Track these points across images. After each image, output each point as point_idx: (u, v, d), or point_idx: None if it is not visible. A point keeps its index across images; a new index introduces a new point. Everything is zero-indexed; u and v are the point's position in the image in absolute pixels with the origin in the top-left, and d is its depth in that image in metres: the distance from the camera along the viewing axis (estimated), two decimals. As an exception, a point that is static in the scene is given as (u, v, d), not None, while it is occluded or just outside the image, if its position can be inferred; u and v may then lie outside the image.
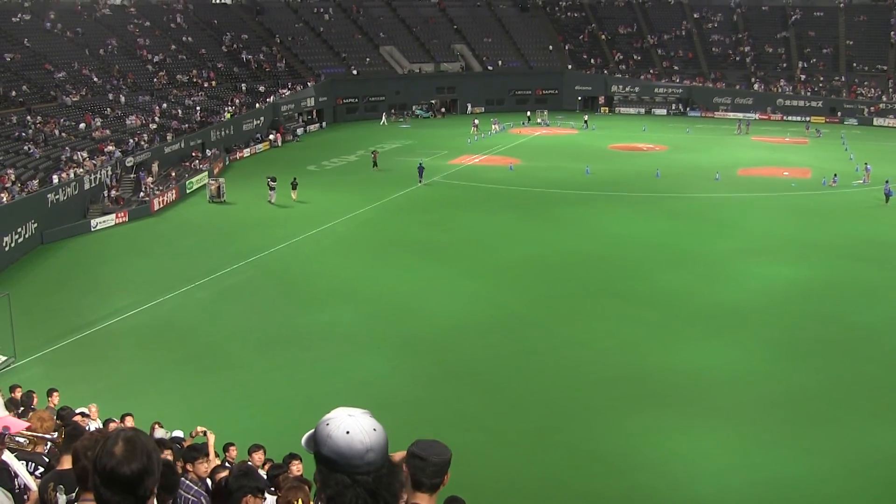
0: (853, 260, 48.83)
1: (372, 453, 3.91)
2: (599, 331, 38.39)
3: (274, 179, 66.60)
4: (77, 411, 19.37)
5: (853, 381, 33.07)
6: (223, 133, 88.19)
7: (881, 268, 47.59)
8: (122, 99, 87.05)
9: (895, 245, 52.16)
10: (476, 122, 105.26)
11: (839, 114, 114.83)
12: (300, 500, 9.73)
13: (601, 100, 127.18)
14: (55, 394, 22.28)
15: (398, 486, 4.04)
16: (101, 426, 17.20)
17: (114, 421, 19.15)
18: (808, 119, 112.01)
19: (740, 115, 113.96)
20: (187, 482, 9.40)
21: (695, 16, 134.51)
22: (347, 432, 3.93)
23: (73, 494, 6.40)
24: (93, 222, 58.19)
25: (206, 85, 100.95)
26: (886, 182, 65.18)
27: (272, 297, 43.43)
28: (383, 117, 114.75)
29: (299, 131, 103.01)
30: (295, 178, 67.94)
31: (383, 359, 35.38)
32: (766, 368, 34.16)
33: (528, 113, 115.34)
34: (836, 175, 71.36)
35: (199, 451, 11.80)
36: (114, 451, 4.15)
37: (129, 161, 69.81)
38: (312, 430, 4.11)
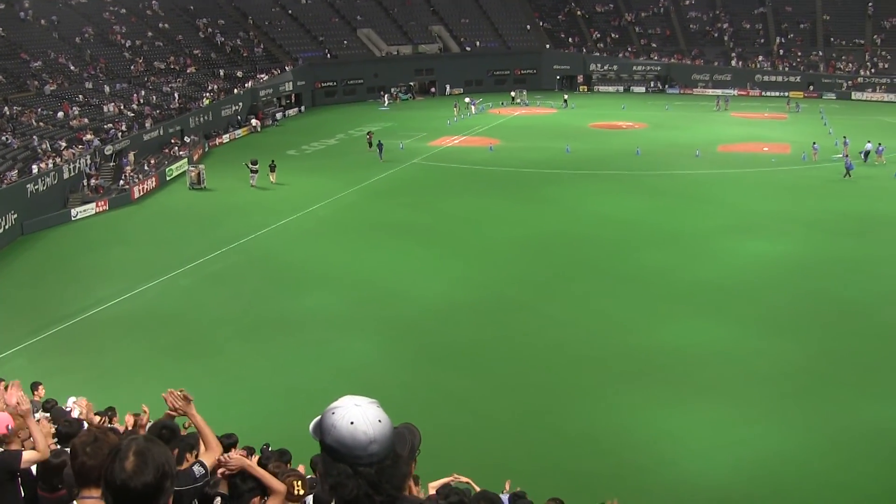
0: (835, 234, 48.93)
1: (375, 445, 3.88)
2: (584, 310, 38.41)
3: (255, 163, 66.65)
4: (68, 409, 19.23)
5: (839, 356, 33.13)
6: (202, 119, 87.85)
7: (863, 241, 47.70)
8: (100, 87, 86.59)
9: (876, 219, 52.27)
10: (469, 100, 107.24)
11: (811, 87, 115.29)
12: (299, 484, 9.70)
13: (580, 78, 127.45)
14: (40, 387, 22.09)
15: (401, 479, 4.00)
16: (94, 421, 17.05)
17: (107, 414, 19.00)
18: (787, 94, 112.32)
19: (719, 92, 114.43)
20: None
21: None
22: (352, 423, 3.90)
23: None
24: (73, 212, 57.91)
25: (187, 71, 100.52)
26: (847, 157, 65.68)
27: (255, 283, 43.33)
28: (385, 99, 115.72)
29: (278, 116, 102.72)
30: (273, 161, 68.00)
31: (368, 343, 35.30)
32: (751, 344, 34.20)
33: (513, 93, 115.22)
34: (815, 143, 71.69)
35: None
36: (125, 465, 4.09)
37: (108, 149, 69.51)
38: (319, 417, 4.08)
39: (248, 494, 8.66)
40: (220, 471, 8.74)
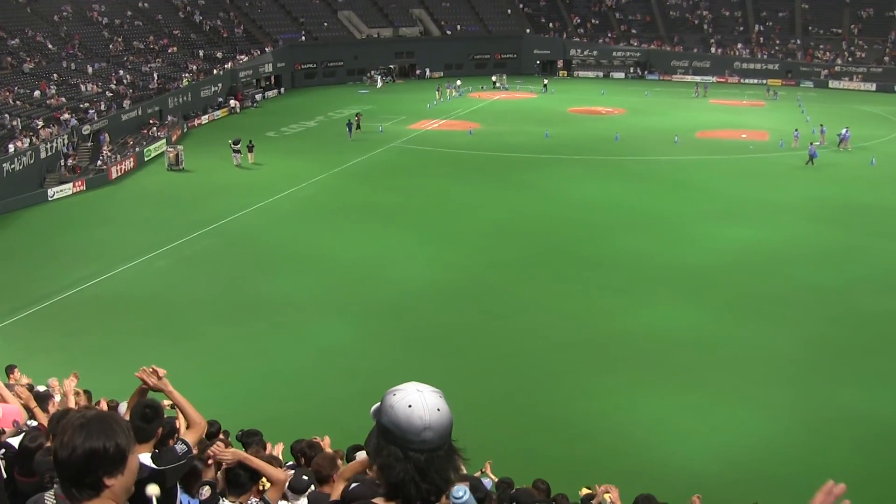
0: (813, 221, 49.17)
1: (430, 432, 3.88)
2: (562, 294, 38.48)
3: (237, 142, 66.81)
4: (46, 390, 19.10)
5: (816, 342, 33.34)
6: (181, 100, 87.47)
7: (841, 228, 47.95)
8: (78, 66, 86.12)
9: (853, 205, 52.58)
10: (459, 83, 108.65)
11: (789, 74, 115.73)
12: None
13: (560, 63, 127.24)
14: (16, 370, 21.87)
15: (451, 472, 4.00)
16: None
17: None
18: (765, 82, 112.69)
19: (698, 79, 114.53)
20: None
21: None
22: (410, 406, 3.92)
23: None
24: (50, 192, 57.61)
25: (168, 52, 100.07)
26: (812, 144, 65.96)
27: (233, 265, 43.22)
28: (378, 80, 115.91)
29: (258, 97, 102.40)
30: (251, 141, 68.01)
31: (346, 325, 35.31)
32: (729, 330, 34.37)
33: (494, 78, 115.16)
34: (797, 131, 72.07)
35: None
36: (63, 437, 4.13)
37: (86, 129, 69.19)
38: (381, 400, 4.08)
39: (249, 483, 8.68)
40: (213, 459, 8.74)
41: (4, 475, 9.14)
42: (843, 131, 70.71)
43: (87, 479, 4.12)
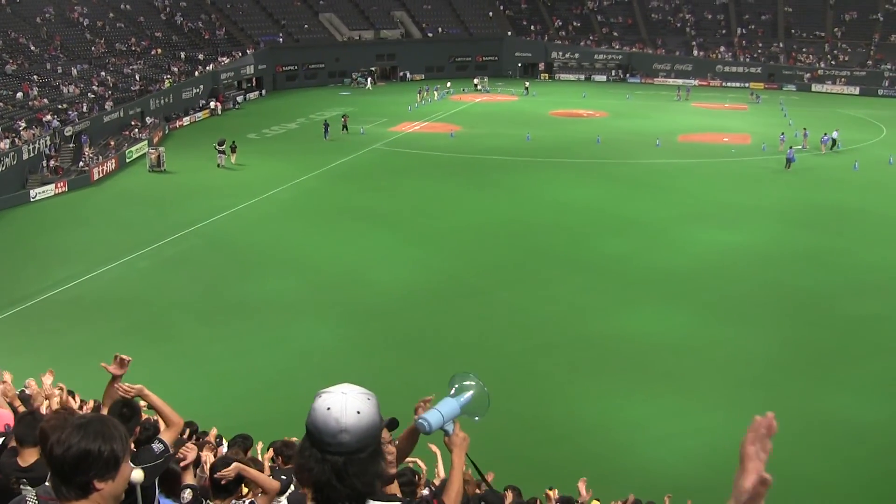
0: (795, 225, 49.37)
1: (346, 435, 3.89)
2: (542, 297, 38.58)
3: (222, 143, 67.10)
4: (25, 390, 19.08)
5: (797, 346, 33.47)
6: (162, 102, 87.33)
7: (822, 232, 48.11)
8: (60, 68, 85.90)
9: (835, 209, 52.77)
10: (450, 85, 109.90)
11: (772, 77, 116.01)
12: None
13: (541, 66, 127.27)
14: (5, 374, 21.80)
15: (373, 476, 4.01)
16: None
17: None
18: (748, 85, 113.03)
19: (680, 82, 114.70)
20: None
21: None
22: (328, 408, 3.94)
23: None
24: (32, 192, 57.48)
25: (151, 53, 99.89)
26: (791, 148, 66.23)
27: (215, 267, 43.22)
28: (368, 82, 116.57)
29: (239, 99, 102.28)
30: (234, 142, 68.36)
31: (327, 327, 35.36)
32: (709, 333, 34.50)
33: (476, 80, 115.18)
34: (783, 134, 72.06)
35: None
36: (60, 435, 4.13)
37: (68, 130, 69.10)
38: None
39: (234, 486, 8.75)
40: (224, 479, 8.83)
41: None
42: (834, 134, 71.26)
43: (77, 478, 4.13)
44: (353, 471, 3.93)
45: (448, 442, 5.46)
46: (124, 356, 8.12)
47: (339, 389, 4.03)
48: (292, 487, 10.64)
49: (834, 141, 71.02)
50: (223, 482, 8.84)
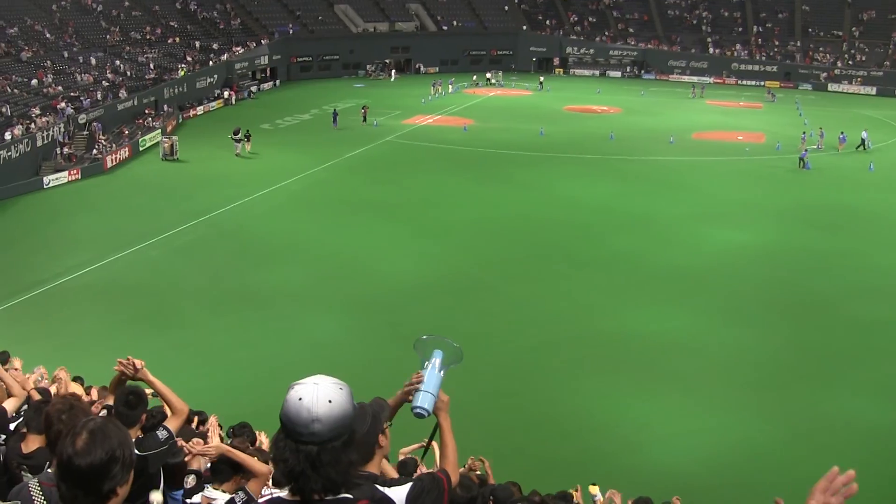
0: (806, 225, 49.19)
1: (318, 424, 3.91)
2: (552, 293, 38.53)
3: (237, 132, 67.49)
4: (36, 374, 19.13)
5: (804, 348, 33.36)
6: (176, 91, 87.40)
7: (833, 234, 47.93)
8: (75, 56, 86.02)
9: (847, 211, 52.55)
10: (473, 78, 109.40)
11: (788, 76, 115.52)
12: None
13: (556, 61, 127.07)
14: (16, 360, 21.86)
15: (346, 465, 4.03)
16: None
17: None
18: (763, 84, 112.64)
19: (695, 79, 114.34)
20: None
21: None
22: (300, 399, 3.97)
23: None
24: (45, 179, 57.62)
25: (168, 41, 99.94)
26: (805, 149, 65.95)
27: (225, 257, 43.27)
28: (392, 73, 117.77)
29: (253, 89, 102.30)
30: (248, 131, 68.55)
31: (335, 319, 35.37)
32: (717, 333, 34.40)
33: (488, 74, 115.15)
34: (804, 133, 71.50)
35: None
36: (75, 442, 4.04)
37: (82, 118, 69.21)
38: None
39: (230, 473, 8.76)
40: (200, 456, 8.82)
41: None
42: (863, 134, 71.28)
43: (104, 486, 4.06)
44: (326, 459, 3.95)
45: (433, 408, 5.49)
46: (136, 361, 8.12)
47: (311, 380, 4.05)
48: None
49: (863, 140, 70.77)
50: (219, 469, 8.83)
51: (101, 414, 8.48)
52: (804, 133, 71.66)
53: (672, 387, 29.81)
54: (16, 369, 14.99)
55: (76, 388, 14.34)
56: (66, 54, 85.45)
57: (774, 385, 30.24)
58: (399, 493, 4.59)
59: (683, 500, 16.52)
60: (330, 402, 3.95)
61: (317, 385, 4.00)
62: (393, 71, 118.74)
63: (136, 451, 7.65)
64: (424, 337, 5.64)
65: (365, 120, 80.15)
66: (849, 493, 3.46)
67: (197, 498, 8.76)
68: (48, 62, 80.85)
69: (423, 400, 5.31)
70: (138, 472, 8.09)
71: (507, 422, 27.28)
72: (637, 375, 30.57)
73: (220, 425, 16.12)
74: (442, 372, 5.46)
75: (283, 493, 4.24)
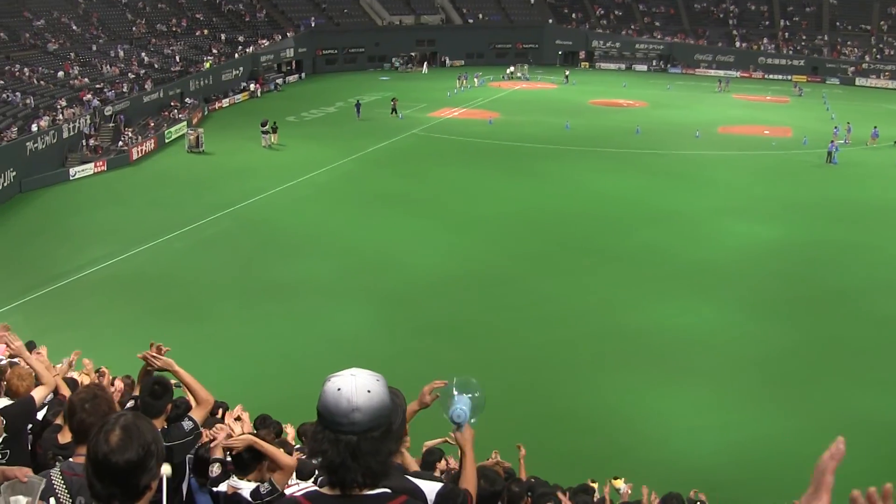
0: (831, 220, 48.90)
1: (358, 413, 3.88)
2: (576, 287, 38.46)
3: (265, 124, 67.98)
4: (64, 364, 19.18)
5: (830, 342, 33.21)
6: (202, 83, 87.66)
7: (858, 228, 47.65)
8: (101, 48, 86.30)
9: (872, 206, 52.24)
10: (474, 75, 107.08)
11: (814, 69, 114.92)
12: None
13: (582, 55, 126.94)
14: (43, 349, 21.96)
15: (386, 454, 4.00)
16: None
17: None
18: (790, 78, 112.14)
19: (721, 73, 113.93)
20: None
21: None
22: (339, 389, 3.93)
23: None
24: (71, 171, 57.84)
25: (196, 34, 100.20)
26: (832, 142, 65.54)
27: (250, 249, 43.34)
28: (424, 67, 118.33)
29: (279, 82, 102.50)
30: (275, 123, 68.91)
31: (359, 311, 35.39)
32: (743, 327, 34.29)
33: (511, 68, 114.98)
34: (836, 128, 71.39)
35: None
36: (109, 439, 3.99)
37: (108, 110, 69.44)
38: None
39: (253, 463, 8.77)
40: (230, 449, 8.84)
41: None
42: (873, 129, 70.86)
43: (142, 481, 4.04)
44: (366, 449, 3.92)
45: (460, 438, 5.47)
46: (162, 346, 8.14)
47: (347, 372, 4.02)
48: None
49: None
50: (233, 453, 8.84)
51: (128, 404, 8.48)
52: (836, 127, 71.39)
53: (695, 381, 29.74)
54: (38, 352, 15.04)
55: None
56: (94, 47, 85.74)
57: (797, 380, 30.13)
58: (429, 487, 4.60)
59: (707, 495, 16.48)
60: (369, 391, 3.93)
61: (354, 376, 3.98)
62: (425, 63, 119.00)
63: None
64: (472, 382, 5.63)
65: (394, 112, 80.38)
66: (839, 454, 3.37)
67: (223, 486, 8.77)
68: (73, 54, 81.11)
69: (463, 404, 5.31)
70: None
71: (530, 416, 27.24)
72: (660, 370, 30.50)
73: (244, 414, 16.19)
74: (472, 407, 5.45)
75: (309, 485, 4.21)
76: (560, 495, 11.94)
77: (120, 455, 3.97)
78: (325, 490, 4.07)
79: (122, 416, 4.17)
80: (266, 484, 8.43)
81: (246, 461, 8.78)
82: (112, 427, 4.04)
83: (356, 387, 3.93)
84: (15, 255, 41.90)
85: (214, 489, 8.83)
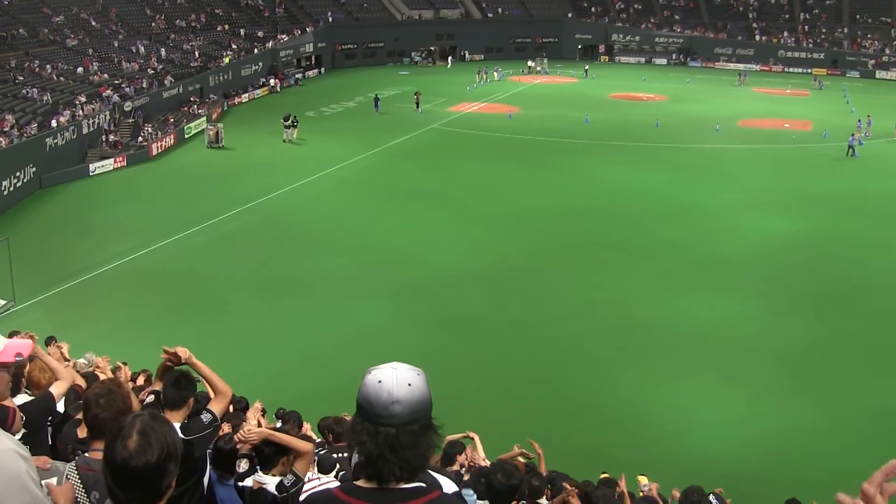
0: (852, 214, 48.72)
1: (398, 406, 3.88)
2: (595, 281, 38.41)
3: (287, 118, 68.35)
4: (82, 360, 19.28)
5: (851, 335, 33.10)
6: (222, 78, 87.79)
7: (880, 222, 47.48)
8: (120, 44, 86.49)
9: (894, 199, 52.01)
10: (494, 69, 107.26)
11: (834, 62, 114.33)
12: None
13: (601, 48, 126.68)
14: (65, 345, 22.01)
15: (425, 447, 3.98)
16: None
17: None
18: (810, 71, 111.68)
19: (741, 67, 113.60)
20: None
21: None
22: (380, 381, 3.93)
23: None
24: (91, 167, 58.02)
25: (216, 29, 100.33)
26: (853, 135, 65.25)
27: (270, 244, 43.41)
28: (448, 61, 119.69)
29: (299, 76, 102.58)
30: (295, 118, 69.07)
31: (379, 306, 35.43)
32: (763, 321, 34.18)
33: (530, 63, 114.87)
34: (860, 121, 71.20)
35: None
36: (127, 444, 3.94)
37: (128, 106, 69.59)
38: None
39: (276, 457, 8.79)
40: (245, 444, 8.87)
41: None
42: None
43: (163, 483, 4.01)
44: (405, 442, 3.90)
45: None
46: (180, 352, 8.14)
47: (388, 366, 4.02)
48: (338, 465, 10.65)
49: None
50: (263, 454, 8.87)
51: (147, 399, 8.51)
52: (859, 120, 71.11)
53: (716, 375, 29.67)
54: (59, 345, 15.09)
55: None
56: (115, 43, 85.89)
57: (818, 374, 30.03)
58: (449, 484, 4.60)
59: (726, 489, 16.45)
60: (409, 385, 3.93)
61: (395, 370, 3.98)
62: (449, 58, 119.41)
63: (182, 436, 7.75)
64: None
65: (418, 106, 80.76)
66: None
67: (248, 482, 8.81)
68: (92, 50, 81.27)
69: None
70: (184, 457, 8.16)
71: (549, 409, 27.24)
72: (679, 364, 30.45)
73: (263, 410, 16.23)
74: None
75: (331, 479, 4.19)
76: (567, 486, 11.89)
77: (138, 459, 3.92)
78: (360, 483, 4.07)
79: (139, 417, 4.11)
80: (289, 476, 8.45)
81: (268, 455, 8.82)
82: (129, 432, 3.98)
83: (397, 380, 3.93)
84: (35, 251, 42.00)
85: (240, 484, 8.87)
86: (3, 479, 4.31)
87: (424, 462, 4.02)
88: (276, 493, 8.31)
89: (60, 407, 9.82)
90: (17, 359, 7.36)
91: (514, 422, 24.95)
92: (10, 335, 20.29)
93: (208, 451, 8.56)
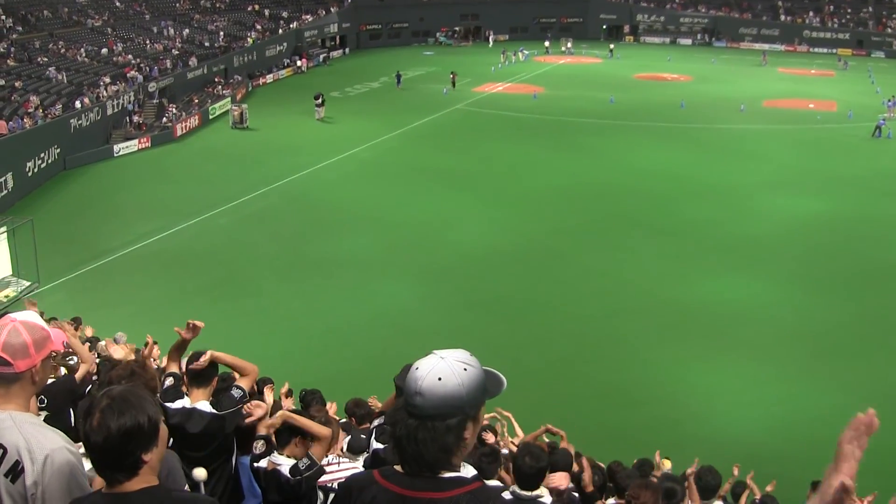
0: (879, 194, 48.45)
1: (420, 398, 3.79)
2: (622, 262, 38.28)
3: (318, 97, 68.82)
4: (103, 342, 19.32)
5: (878, 317, 32.87)
6: (246, 59, 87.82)
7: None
8: (145, 25, 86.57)
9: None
10: (519, 49, 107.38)
11: (859, 42, 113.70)
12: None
13: (626, 28, 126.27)
14: (88, 329, 22.10)
15: (439, 450, 3.82)
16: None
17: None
18: (835, 51, 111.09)
19: (766, 47, 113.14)
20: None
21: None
22: (416, 368, 3.86)
23: None
24: (115, 147, 58.10)
25: (248, 9, 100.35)
26: (882, 117, 64.93)
27: (294, 224, 43.41)
28: (491, 40, 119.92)
29: (326, 56, 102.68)
30: (322, 96, 69.51)
31: (405, 286, 35.39)
32: (789, 302, 33.99)
33: (546, 44, 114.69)
34: (888, 100, 70.92)
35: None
36: (91, 420, 4.00)
37: (152, 86, 69.70)
38: None
39: (288, 436, 8.77)
40: (267, 429, 8.88)
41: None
42: None
43: (126, 460, 4.02)
44: (421, 437, 3.80)
45: None
46: (197, 322, 8.14)
47: (443, 353, 3.91)
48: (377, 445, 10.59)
49: None
50: (279, 434, 8.88)
51: (167, 382, 8.49)
52: (887, 100, 70.67)
53: (742, 356, 29.53)
54: (84, 330, 15.12)
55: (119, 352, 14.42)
56: (140, 24, 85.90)
57: (845, 354, 29.85)
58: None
59: (753, 470, 16.36)
60: (440, 379, 3.79)
61: (442, 360, 3.86)
62: (491, 37, 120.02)
63: (214, 411, 7.77)
64: None
65: (454, 86, 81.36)
66: (872, 429, 3.29)
67: (263, 462, 8.80)
68: (116, 31, 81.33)
69: None
70: (214, 434, 8.17)
71: (575, 390, 27.19)
72: (707, 344, 30.32)
73: (290, 391, 16.20)
74: None
75: (359, 464, 4.14)
76: (585, 461, 11.85)
77: (97, 435, 3.96)
78: (397, 468, 4.01)
79: (106, 393, 4.13)
80: (305, 459, 8.44)
81: (280, 432, 8.82)
82: (95, 408, 4.03)
83: (430, 371, 3.83)
84: (60, 232, 42.08)
85: (256, 465, 8.86)
86: (55, 476, 4.36)
87: (440, 459, 3.87)
88: (288, 475, 8.30)
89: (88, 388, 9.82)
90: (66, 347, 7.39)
91: (541, 401, 24.89)
92: (49, 321, 20.45)
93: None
